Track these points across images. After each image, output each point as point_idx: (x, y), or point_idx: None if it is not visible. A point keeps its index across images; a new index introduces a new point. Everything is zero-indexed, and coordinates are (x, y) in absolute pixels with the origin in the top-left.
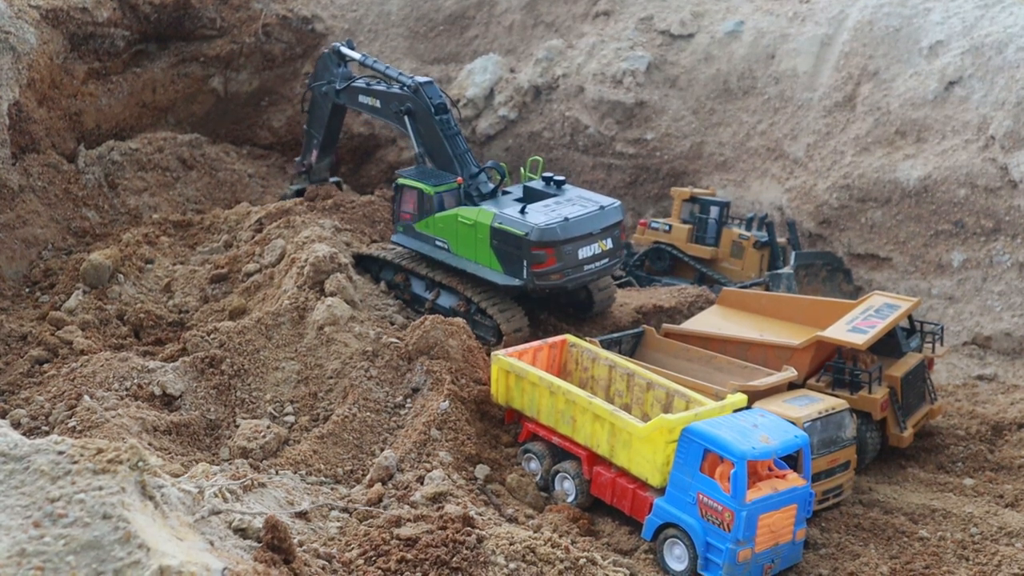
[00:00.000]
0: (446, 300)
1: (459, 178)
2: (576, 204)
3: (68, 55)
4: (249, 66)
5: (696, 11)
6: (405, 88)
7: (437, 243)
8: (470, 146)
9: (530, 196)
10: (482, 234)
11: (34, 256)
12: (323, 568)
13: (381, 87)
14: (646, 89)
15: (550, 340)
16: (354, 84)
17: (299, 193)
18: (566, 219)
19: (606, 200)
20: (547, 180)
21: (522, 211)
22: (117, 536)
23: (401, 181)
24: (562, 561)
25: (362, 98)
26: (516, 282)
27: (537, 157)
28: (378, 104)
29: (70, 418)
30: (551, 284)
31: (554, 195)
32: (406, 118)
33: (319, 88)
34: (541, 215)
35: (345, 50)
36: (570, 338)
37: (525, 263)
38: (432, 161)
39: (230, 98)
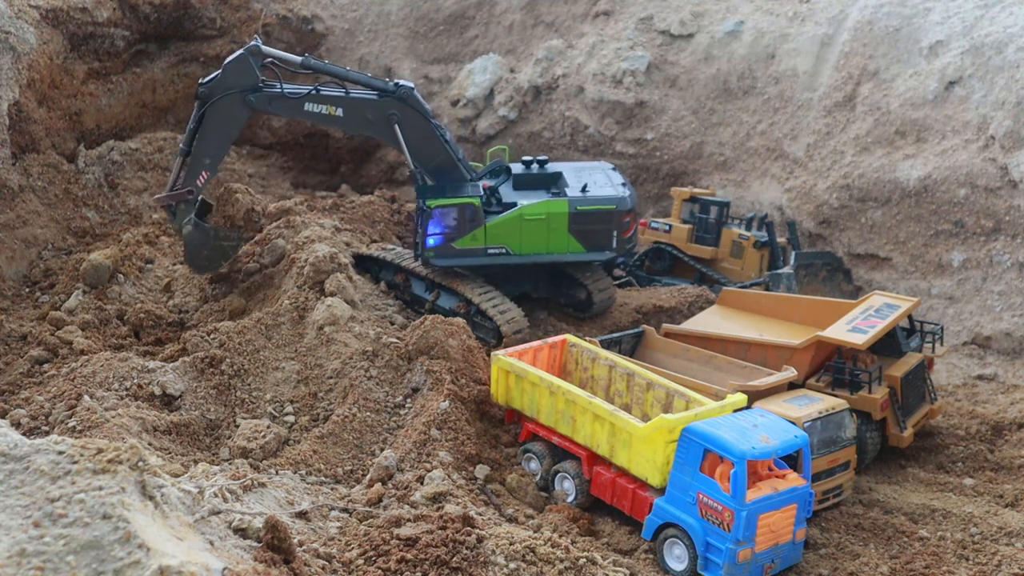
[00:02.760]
0: (446, 301)
1: (485, 182)
2: (598, 172)
3: (68, 55)
4: None
5: (696, 11)
6: (387, 94)
7: (489, 251)
8: (470, 146)
9: (524, 182)
10: (557, 223)
11: (34, 256)
12: (323, 568)
13: (337, 92)
14: (646, 89)
15: (550, 340)
16: (293, 93)
17: (199, 223)
18: (624, 184)
19: (603, 164)
20: (527, 163)
21: (584, 189)
22: (117, 536)
23: (435, 203)
24: (562, 561)
25: (311, 106)
26: (608, 254)
27: (501, 146)
28: (339, 112)
29: (70, 418)
30: (632, 247)
31: (549, 174)
32: (396, 128)
33: (232, 98)
34: (608, 188)
35: (269, 50)
36: (570, 338)
37: (615, 234)
38: (430, 172)
39: None
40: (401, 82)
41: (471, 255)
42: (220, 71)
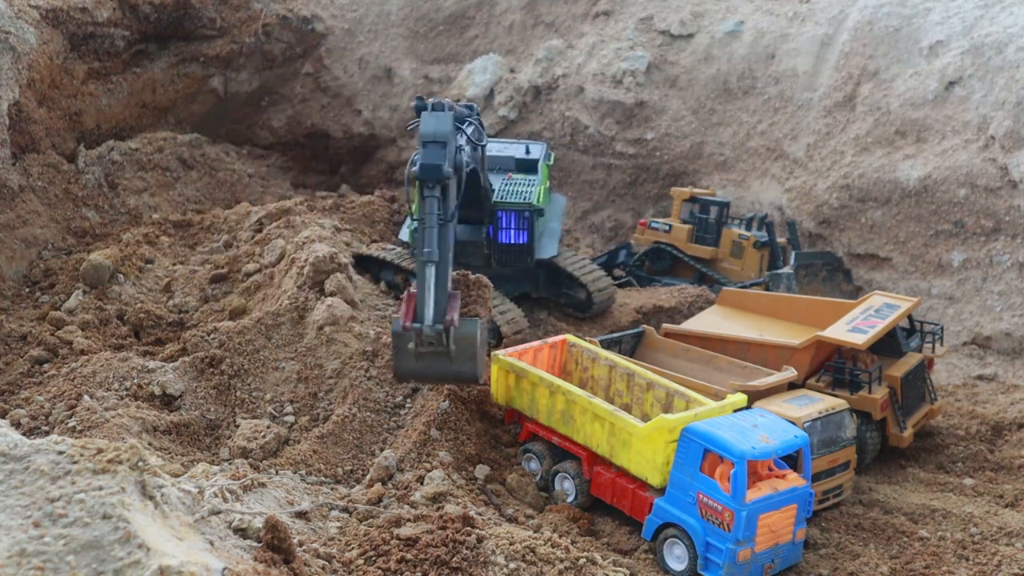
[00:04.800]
0: None
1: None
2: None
3: (68, 55)
4: (249, 66)
5: (696, 11)
6: (470, 118)
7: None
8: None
9: None
10: (546, 182)
11: (34, 256)
12: (323, 568)
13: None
14: (646, 89)
15: (550, 340)
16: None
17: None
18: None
19: None
20: None
21: (527, 151)
22: (117, 536)
23: (542, 202)
24: (562, 561)
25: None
26: (562, 198)
27: None
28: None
29: (70, 418)
30: None
31: None
32: (480, 149)
33: (449, 166)
34: (532, 144)
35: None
36: (570, 338)
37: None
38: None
39: (230, 98)
40: (467, 103)
41: (544, 238)
42: (439, 143)
